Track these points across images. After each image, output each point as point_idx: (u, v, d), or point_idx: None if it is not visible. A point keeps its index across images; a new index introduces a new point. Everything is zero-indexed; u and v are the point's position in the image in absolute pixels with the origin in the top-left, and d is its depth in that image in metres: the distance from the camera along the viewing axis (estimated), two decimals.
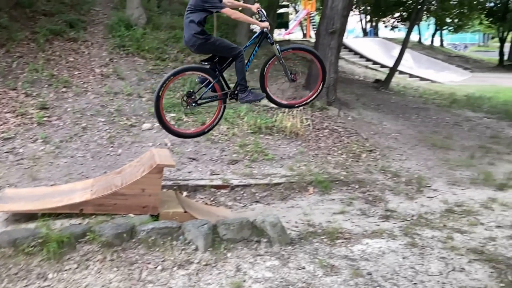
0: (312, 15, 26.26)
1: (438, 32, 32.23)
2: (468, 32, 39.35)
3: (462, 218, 5.40)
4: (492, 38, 40.77)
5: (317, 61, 4.85)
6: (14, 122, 6.80)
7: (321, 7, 12.20)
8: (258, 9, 4.47)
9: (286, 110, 8.24)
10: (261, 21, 4.46)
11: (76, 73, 8.49)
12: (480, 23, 31.10)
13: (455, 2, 20.73)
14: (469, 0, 19.99)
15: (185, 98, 4.48)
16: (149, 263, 3.88)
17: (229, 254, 4.12)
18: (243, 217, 4.53)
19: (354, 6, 23.80)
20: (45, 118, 7.02)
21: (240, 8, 4.84)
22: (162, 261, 3.91)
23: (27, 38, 8.92)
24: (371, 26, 31.16)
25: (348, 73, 16.48)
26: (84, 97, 7.85)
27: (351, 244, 4.57)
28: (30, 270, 3.64)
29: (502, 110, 13.14)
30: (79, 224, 4.27)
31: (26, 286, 3.50)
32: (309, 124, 8.43)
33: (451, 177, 7.07)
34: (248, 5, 4.62)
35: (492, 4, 27.24)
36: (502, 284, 3.83)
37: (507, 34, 29.29)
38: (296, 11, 30.31)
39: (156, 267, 3.83)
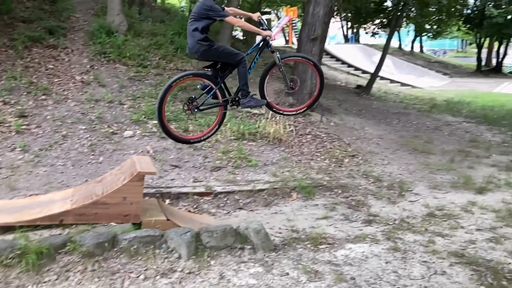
0: (294, 21, 26.46)
1: (418, 38, 32.85)
2: (447, 38, 40.21)
3: (443, 222, 5.48)
4: (470, 44, 41.66)
5: (315, 70, 5.05)
6: None
7: (302, 14, 12.31)
8: (259, 18, 4.54)
9: (270, 116, 8.28)
10: (263, 29, 4.53)
11: (56, 80, 8.36)
12: (458, 30, 31.79)
13: (434, 9, 21.13)
14: (447, 7, 20.43)
15: (186, 105, 4.55)
16: (131, 272, 3.82)
17: (212, 262, 4.09)
18: (226, 224, 4.50)
19: (335, 13, 24.08)
20: (23, 126, 6.88)
21: (241, 17, 4.92)
22: (145, 270, 3.86)
23: (5, 45, 8.76)
24: (352, 32, 31.52)
25: (330, 79, 16.64)
26: (64, 105, 7.73)
27: (334, 249, 4.59)
28: (9, 282, 3.54)
29: (480, 114, 13.45)
30: (59, 234, 4.18)
31: None
32: (292, 130, 8.47)
33: (432, 181, 7.18)
34: (249, 14, 4.69)
35: (469, 11, 27.87)
36: (482, 287, 3.91)
37: (484, 40, 30.04)
38: (278, 18, 30.52)
39: (138, 276, 3.78)
